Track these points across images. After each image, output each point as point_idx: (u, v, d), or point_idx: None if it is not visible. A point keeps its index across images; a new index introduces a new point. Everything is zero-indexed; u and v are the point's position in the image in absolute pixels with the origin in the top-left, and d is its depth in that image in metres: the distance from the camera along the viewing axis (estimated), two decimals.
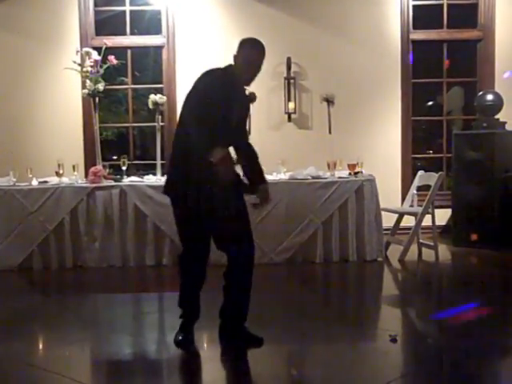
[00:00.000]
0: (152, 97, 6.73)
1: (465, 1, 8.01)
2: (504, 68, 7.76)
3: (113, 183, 6.32)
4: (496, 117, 7.11)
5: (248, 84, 3.70)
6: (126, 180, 6.41)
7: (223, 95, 3.51)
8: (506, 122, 7.10)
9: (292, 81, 7.66)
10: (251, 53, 3.61)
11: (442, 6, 7.91)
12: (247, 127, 3.92)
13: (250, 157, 3.90)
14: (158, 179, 6.50)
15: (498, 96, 7.13)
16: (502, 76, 7.54)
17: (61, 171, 6.35)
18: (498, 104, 7.08)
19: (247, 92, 3.85)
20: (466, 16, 8.06)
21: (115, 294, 5.52)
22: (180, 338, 3.82)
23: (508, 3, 7.78)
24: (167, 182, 3.78)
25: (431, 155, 8.76)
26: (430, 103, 9.46)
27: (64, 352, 3.85)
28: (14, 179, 6.30)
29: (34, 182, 6.31)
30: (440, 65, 8.10)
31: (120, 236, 6.23)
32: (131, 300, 5.35)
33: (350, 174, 6.47)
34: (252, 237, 3.74)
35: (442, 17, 7.92)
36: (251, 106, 4.04)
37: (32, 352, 3.93)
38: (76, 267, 6.21)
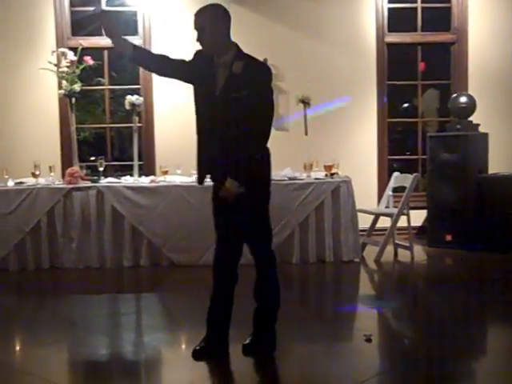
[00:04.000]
0: (129, 98, 6.72)
1: (438, 4, 8.10)
2: (477, 70, 7.86)
3: (90, 184, 6.30)
4: (469, 119, 7.21)
5: (211, 51, 3.54)
6: (103, 181, 6.40)
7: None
8: (479, 124, 7.20)
9: None
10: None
11: (416, 9, 8.00)
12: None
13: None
14: (136, 180, 6.50)
15: (471, 98, 7.23)
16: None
17: (37, 172, 6.31)
18: (471, 106, 7.18)
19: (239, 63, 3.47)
20: (440, 19, 8.16)
21: (92, 295, 5.52)
22: (197, 347, 3.65)
23: (480, 6, 7.89)
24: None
25: (407, 157, 8.85)
26: (406, 105, 9.55)
27: (40, 353, 3.85)
28: None
29: (10, 183, 6.28)
30: (415, 67, 8.19)
31: (97, 237, 6.22)
32: (108, 301, 5.35)
33: (326, 175, 6.52)
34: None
35: (417, 20, 8.01)
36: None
37: (8, 353, 3.92)
38: (53, 268, 6.19)
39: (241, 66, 3.45)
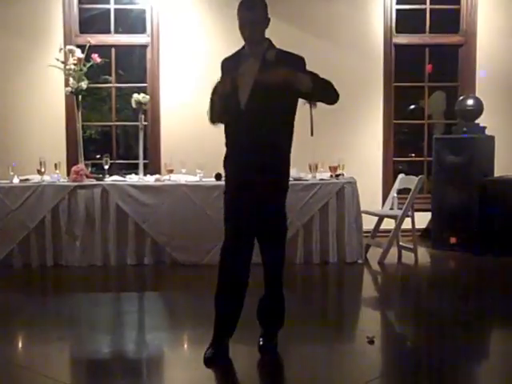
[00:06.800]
0: (135, 96, 6.72)
1: (447, 6, 8.08)
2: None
3: (95, 182, 6.31)
4: (476, 121, 7.19)
5: (250, 44, 3.61)
6: (108, 179, 6.40)
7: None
8: (485, 127, 7.18)
9: None
10: (238, 12, 3.56)
11: (424, 10, 7.99)
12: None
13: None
14: (141, 178, 6.50)
15: (478, 101, 7.21)
16: (479, 75, 7.60)
17: (43, 169, 6.33)
18: (478, 109, 7.16)
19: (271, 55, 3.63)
20: (449, 21, 8.14)
21: (96, 292, 5.53)
22: (209, 353, 3.52)
23: (490, 9, 7.87)
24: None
25: (412, 158, 8.83)
26: (412, 107, 9.53)
27: (42, 350, 3.86)
28: None
29: (16, 180, 6.29)
30: (422, 69, 8.18)
31: (101, 235, 6.23)
32: (112, 299, 5.36)
33: (331, 176, 6.52)
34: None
35: (425, 21, 8.00)
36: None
37: (12, 350, 3.93)
38: (57, 266, 6.20)
39: (273, 54, 3.59)
